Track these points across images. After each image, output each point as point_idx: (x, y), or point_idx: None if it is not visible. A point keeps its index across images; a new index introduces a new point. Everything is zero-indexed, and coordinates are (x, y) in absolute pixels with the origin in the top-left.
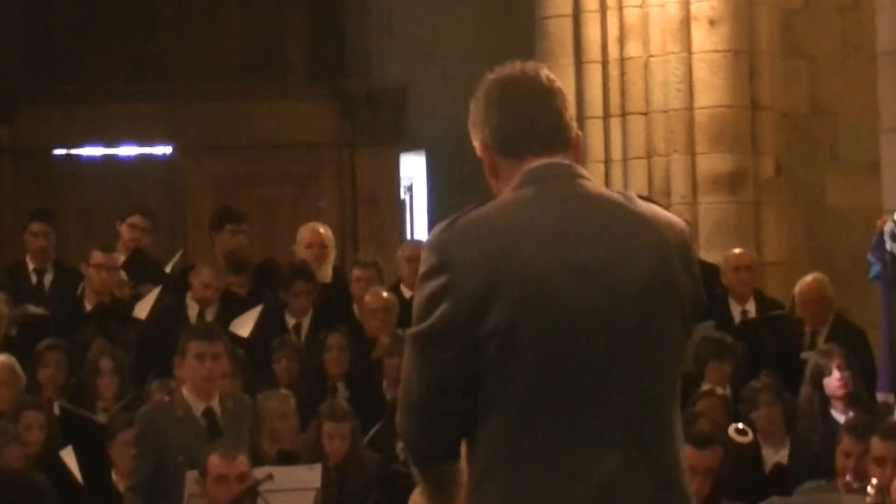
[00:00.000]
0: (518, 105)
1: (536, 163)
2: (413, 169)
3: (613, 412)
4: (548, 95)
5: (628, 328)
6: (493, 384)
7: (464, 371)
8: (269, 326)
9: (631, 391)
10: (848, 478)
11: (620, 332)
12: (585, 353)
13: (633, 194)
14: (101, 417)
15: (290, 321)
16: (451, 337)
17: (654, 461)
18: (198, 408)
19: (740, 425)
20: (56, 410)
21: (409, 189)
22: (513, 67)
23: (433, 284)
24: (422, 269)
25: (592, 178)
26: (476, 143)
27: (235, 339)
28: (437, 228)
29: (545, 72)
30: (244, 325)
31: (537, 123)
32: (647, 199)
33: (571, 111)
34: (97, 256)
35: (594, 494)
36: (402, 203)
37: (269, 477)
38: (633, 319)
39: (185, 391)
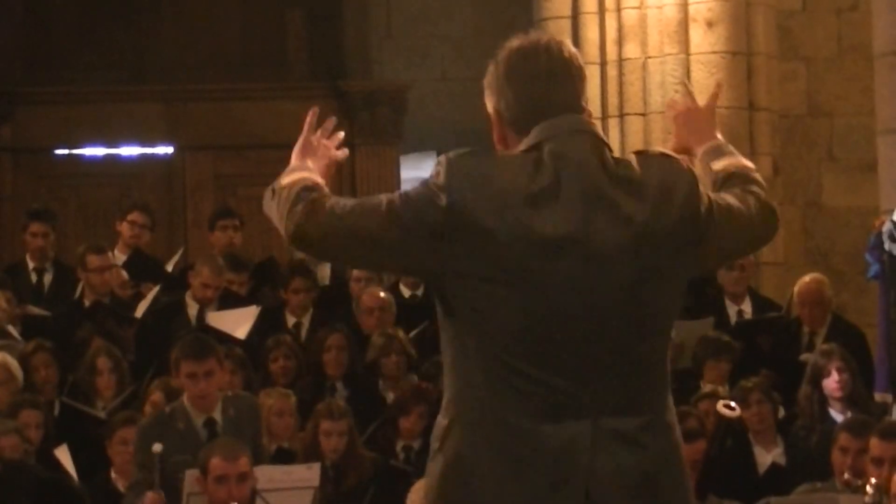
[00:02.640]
0: (533, 84)
1: (549, 121)
2: (423, 170)
3: (590, 380)
4: (565, 75)
5: (613, 297)
6: (473, 339)
7: (406, 263)
8: (269, 326)
9: (610, 359)
10: (846, 476)
11: (604, 302)
12: (564, 322)
13: (632, 155)
14: (102, 416)
15: (291, 320)
16: (419, 246)
17: (632, 428)
18: (199, 419)
19: (731, 403)
20: (57, 408)
21: None
22: (538, 39)
23: (428, 195)
24: (433, 173)
25: (603, 135)
26: (489, 107)
27: (231, 340)
28: (455, 152)
29: (567, 48)
30: (239, 326)
31: (550, 104)
32: (662, 153)
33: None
34: (93, 261)
35: (558, 458)
36: None
37: None
38: (620, 288)
39: (186, 401)
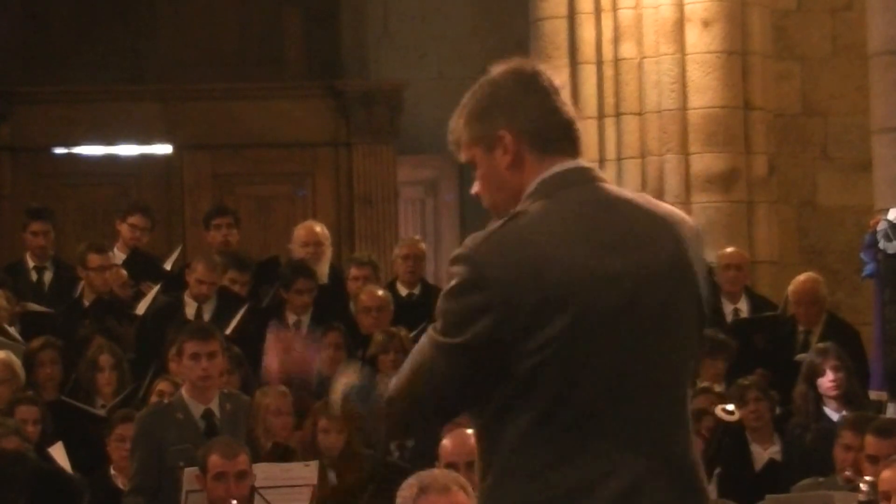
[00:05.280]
0: (551, 100)
1: (559, 167)
2: (439, 171)
3: (639, 417)
4: (561, 94)
5: (652, 330)
6: (522, 386)
7: (489, 379)
8: (268, 324)
9: (655, 395)
10: (848, 472)
11: (644, 335)
12: (612, 358)
13: (646, 195)
14: (102, 414)
15: (291, 318)
16: (489, 352)
17: (676, 464)
18: (197, 410)
19: (729, 406)
20: (57, 405)
21: (433, 189)
22: (522, 62)
23: (470, 300)
24: (455, 281)
25: (608, 179)
26: (492, 130)
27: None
28: (471, 242)
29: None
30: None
31: (569, 121)
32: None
33: None
34: (94, 259)
35: (616, 499)
36: (422, 203)
37: None
38: (656, 321)
39: (185, 393)
